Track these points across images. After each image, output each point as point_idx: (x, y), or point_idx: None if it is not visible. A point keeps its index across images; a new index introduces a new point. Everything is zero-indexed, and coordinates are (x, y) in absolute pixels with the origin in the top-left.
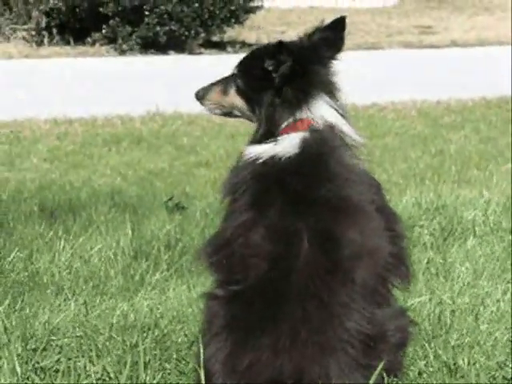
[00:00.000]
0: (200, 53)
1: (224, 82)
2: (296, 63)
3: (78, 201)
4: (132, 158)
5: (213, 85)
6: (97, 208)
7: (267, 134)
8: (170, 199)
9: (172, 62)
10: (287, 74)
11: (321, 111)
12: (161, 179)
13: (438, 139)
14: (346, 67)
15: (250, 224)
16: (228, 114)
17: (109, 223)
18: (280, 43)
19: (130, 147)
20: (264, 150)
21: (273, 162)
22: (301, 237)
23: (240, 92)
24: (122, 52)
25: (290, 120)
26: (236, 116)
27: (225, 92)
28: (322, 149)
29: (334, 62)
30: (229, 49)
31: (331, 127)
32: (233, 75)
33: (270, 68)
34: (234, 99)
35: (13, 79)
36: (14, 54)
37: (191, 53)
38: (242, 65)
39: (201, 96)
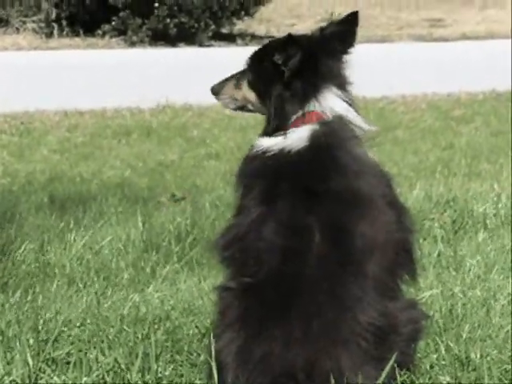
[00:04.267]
0: (210, 45)
1: (237, 77)
2: (305, 56)
3: (88, 192)
4: (142, 149)
5: (227, 80)
6: (107, 200)
7: (277, 127)
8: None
9: (182, 54)
10: (296, 67)
11: (330, 103)
12: (171, 171)
13: (448, 132)
14: (356, 60)
15: (261, 219)
16: (242, 108)
17: (119, 215)
18: (289, 36)
19: (139, 139)
20: (274, 143)
21: (282, 155)
22: (312, 230)
23: (252, 86)
24: (132, 44)
25: (300, 113)
26: (249, 110)
27: (238, 86)
28: (332, 141)
29: (345, 55)
30: (238, 41)
31: (341, 119)
32: (245, 69)
33: (279, 61)
34: (247, 93)
35: (22, 71)
36: (24, 46)
37: (201, 45)
38: (252, 59)
39: (216, 91)
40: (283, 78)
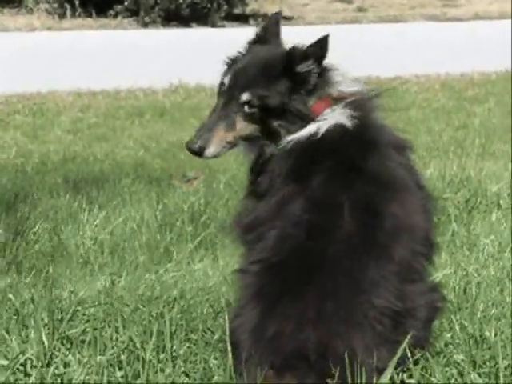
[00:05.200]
0: (222, 25)
1: (221, 119)
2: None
3: (101, 173)
4: (155, 130)
5: (210, 129)
6: (120, 180)
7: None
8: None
9: (194, 34)
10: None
11: (342, 83)
12: (184, 152)
13: (461, 112)
14: (369, 40)
15: (289, 196)
16: (230, 148)
17: (132, 195)
18: (323, 40)
19: (153, 119)
20: (304, 133)
21: (312, 136)
22: (342, 208)
23: (251, 117)
24: (145, 25)
25: (315, 100)
26: (237, 144)
27: (231, 126)
28: (363, 119)
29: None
30: (251, 21)
31: (362, 95)
32: (227, 105)
33: (305, 69)
34: (246, 128)
35: (36, 51)
36: (37, 27)
37: (214, 25)
38: (253, 83)
39: (202, 145)
40: (307, 83)
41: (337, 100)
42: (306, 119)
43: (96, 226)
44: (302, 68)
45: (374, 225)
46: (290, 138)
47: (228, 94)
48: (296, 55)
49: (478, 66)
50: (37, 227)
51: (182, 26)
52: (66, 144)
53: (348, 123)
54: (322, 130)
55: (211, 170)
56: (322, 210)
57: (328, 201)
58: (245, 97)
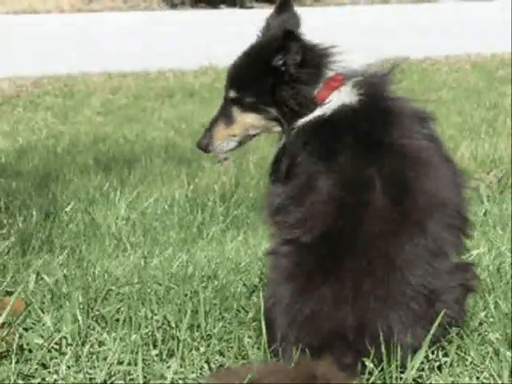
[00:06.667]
0: (251, 7)
1: (220, 115)
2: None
3: (132, 154)
4: (185, 111)
5: (209, 128)
6: (151, 161)
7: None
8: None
9: (223, 15)
10: (298, 61)
11: (344, 65)
12: None
13: (492, 92)
14: (399, 20)
15: (316, 175)
16: (241, 142)
17: (163, 176)
18: (286, 33)
19: (182, 101)
20: (316, 114)
21: (318, 118)
22: (374, 184)
23: (248, 107)
24: (174, 6)
25: (321, 84)
26: (250, 138)
27: (229, 121)
28: (377, 94)
29: None
30: None
31: (368, 71)
32: (226, 100)
33: (280, 62)
34: (246, 119)
35: (65, 33)
36: (67, 8)
37: (242, 6)
38: (238, 78)
39: (206, 144)
40: (286, 75)
41: (342, 82)
42: (307, 107)
43: (127, 206)
44: (277, 61)
45: (406, 201)
46: (298, 123)
47: (225, 91)
48: (271, 48)
49: (509, 47)
50: (69, 207)
51: (210, 7)
52: (96, 125)
53: (354, 101)
54: (328, 112)
55: (241, 150)
56: (353, 187)
57: (358, 177)
58: (231, 93)
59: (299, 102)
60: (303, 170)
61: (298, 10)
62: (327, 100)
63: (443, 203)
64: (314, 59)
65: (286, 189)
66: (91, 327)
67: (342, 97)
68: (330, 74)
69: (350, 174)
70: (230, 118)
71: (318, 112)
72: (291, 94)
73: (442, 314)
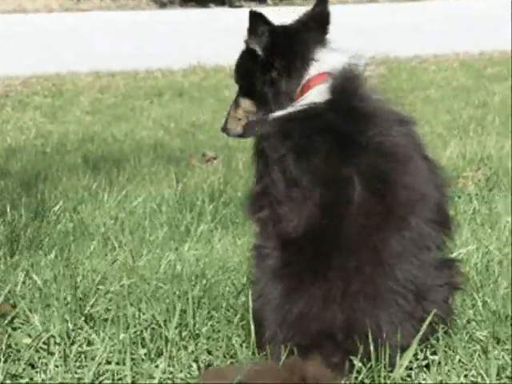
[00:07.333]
0: (240, 6)
1: (233, 101)
2: (274, 30)
3: (120, 153)
4: (174, 110)
5: (228, 111)
6: (140, 160)
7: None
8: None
9: (212, 14)
10: (269, 44)
11: (328, 59)
12: (203, 132)
13: (481, 91)
14: (388, 19)
15: (297, 172)
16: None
17: (152, 175)
18: (252, 14)
19: (171, 100)
20: (290, 109)
21: (284, 116)
22: (352, 182)
23: (244, 93)
24: (163, 5)
25: (302, 83)
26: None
27: (236, 105)
28: (354, 92)
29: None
30: (269, 1)
31: (349, 69)
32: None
33: (253, 45)
34: (243, 104)
35: (54, 32)
36: (55, 8)
37: (231, 5)
38: (239, 66)
39: (223, 127)
40: (263, 62)
41: (320, 79)
42: (281, 101)
43: (116, 205)
44: (251, 43)
45: (387, 195)
46: (269, 117)
47: None
48: (248, 43)
49: (498, 45)
50: (57, 207)
51: (199, 6)
52: (85, 125)
53: (323, 99)
54: (295, 109)
55: (230, 150)
56: (332, 185)
57: (335, 175)
58: (234, 81)
59: (274, 93)
60: (282, 164)
61: (289, 8)
62: (301, 98)
63: (423, 198)
64: (292, 48)
65: (264, 185)
66: (79, 327)
67: (314, 95)
68: (314, 71)
69: (328, 174)
70: (237, 102)
71: (289, 108)
72: (265, 82)
73: (431, 314)
